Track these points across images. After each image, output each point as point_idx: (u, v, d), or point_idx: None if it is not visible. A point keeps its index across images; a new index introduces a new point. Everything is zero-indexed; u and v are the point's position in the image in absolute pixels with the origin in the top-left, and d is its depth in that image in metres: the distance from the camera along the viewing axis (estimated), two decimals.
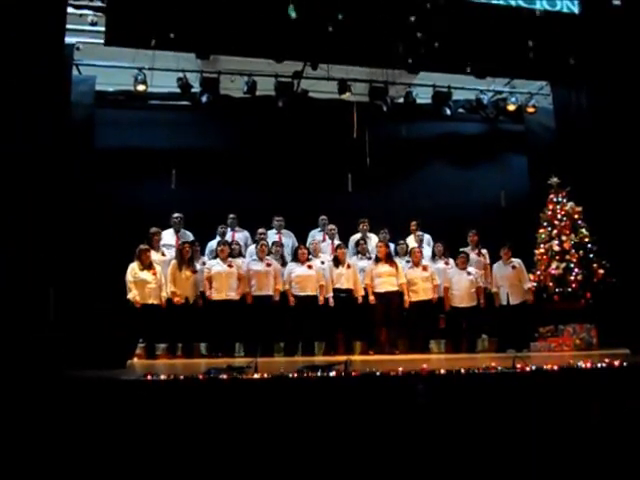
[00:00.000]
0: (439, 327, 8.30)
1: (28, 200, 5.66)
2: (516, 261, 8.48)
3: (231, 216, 8.73)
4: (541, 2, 8.29)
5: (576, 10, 8.40)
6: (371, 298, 8.01)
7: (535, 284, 8.55)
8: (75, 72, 8.81)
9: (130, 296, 7.28)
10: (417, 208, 9.65)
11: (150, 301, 7.35)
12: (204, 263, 7.94)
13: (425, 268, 8.27)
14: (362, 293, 8.04)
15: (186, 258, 7.64)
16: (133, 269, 7.41)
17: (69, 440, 3.38)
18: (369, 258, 8.40)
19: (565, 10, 8.38)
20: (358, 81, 9.58)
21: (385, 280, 8.05)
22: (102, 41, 7.51)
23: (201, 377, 3.80)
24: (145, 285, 7.36)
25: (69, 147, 7.29)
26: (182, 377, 3.82)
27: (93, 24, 7.88)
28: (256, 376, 3.81)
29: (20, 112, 5.82)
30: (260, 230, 8.43)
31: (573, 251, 8.49)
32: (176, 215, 8.39)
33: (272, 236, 8.62)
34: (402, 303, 8.07)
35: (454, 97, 10.09)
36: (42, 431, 3.38)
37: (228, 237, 8.49)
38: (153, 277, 7.42)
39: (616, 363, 4.25)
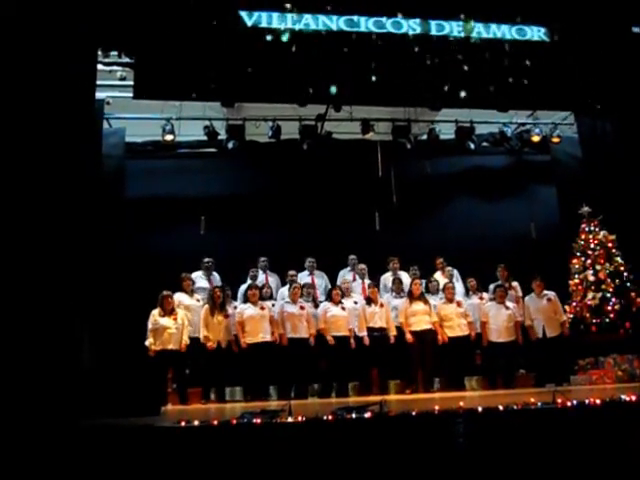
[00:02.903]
0: (474, 363, 8.14)
1: (62, 251, 5.78)
2: (550, 293, 8.31)
3: (262, 259, 8.77)
4: (510, 32, 8.32)
5: (546, 38, 8.40)
6: (408, 337, 7.92)
7: (571, 316, 8.35)
8: (105, 125, 9.07)
9: (147, 343, 7.33)
10: (446, 244, 9.55)
11: (170, 346, 7.34)
12: (235, 307, 7.94)
13: (459, 304, 8.19)
14: (395, 332, 7.95)
15: (217, 302, 7.68)
16: (154, 316, 7.46)
17: None
18: (402, 297, 8.33)
19: (536, 38, 8.40)
20: (381, 120, 9.67)
21: (420, 318, 8.00)
22: (131, 95, 7.75)
23: (235, 422, 3.77)
24: (165, 330, 7.37)
25: (101, 198, 7.46)
26: (216, 422, 3.79)
27: (122, 79, 8.18)
28: (290, 419, 3.76)
29: (55, 166, 5.99)
30: (291, 272, 8.44)
31: (609, 280, 8.30)
32: (207, 260, 8.48)
33: (304, 277, 8.63)
34: (436, 341, 7.96)
35: (477, 131, 10.08)
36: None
37: (261, 280, 8.51)
38: (173, 322, 7.43)
39: None
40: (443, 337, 7.96)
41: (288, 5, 7.67)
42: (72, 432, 3.71)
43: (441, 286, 8.54)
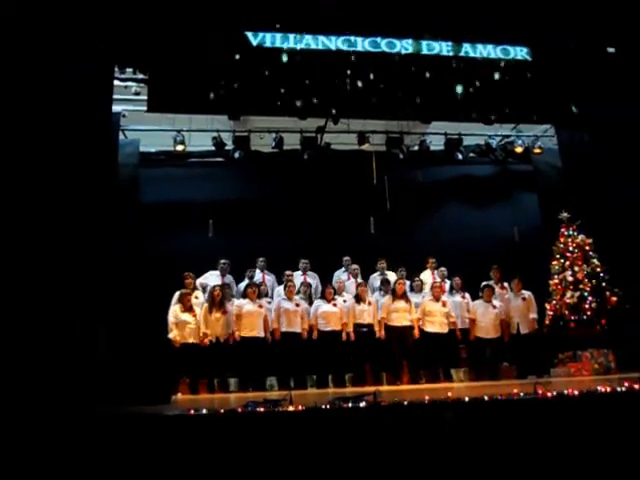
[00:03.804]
0: (460, 356, 8.14)
1: (82, 252, 5.80)
2: (526, 293, 8.40)
3: (261, 259, 8.79)
4: (495, 52, 8.34)
5: (528, 58, 8.43)
6: (381, 333, 7.94)
7: (551, 313, 8.37)
8: (121, 136, 9.08)
9: (171, 336, 7.39)
10: (435, 246, 9.54)
11: (190, 340, 7.44)
12: (233, 303, 7.93)
13: (444, 304, 8.18)
14: (379, 328, 7.97)
15: (216, 300, 7.69)
16: (175, 311, 7.52)
17: (116, 475, 3.35)
18: None
19: (519, 57, 8.42)
20: (376, 132, 9.71)
21: (401, 315, 8.00)
22: (145, 108, 7.77)
23: (241, 410, 3.77)
24: (185, 325, 7.46)
25: (118, 203, 7.48)
26: (223, 411, 3.79)
27: (137, 94, 8.19)
28: (291, 408, 3.76)
29: (75, 174, 6.03)
30: (287, 272, 8.49)
31: (586, 280, 8.31)
32: (223, 261, 8.50)
33: (298, 277, 8.62)
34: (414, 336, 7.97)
35: (465, 143, 10.13)
36: (89, 465, 3.36)
37: (258, 278, 8.51)
38: (193, 318, 7.52)
39: (636, 387, 4.10)
40: (416, 332, 7.96)
41: None
42: (89, 418, 3.71)
43: (427, 285, 8.54)
